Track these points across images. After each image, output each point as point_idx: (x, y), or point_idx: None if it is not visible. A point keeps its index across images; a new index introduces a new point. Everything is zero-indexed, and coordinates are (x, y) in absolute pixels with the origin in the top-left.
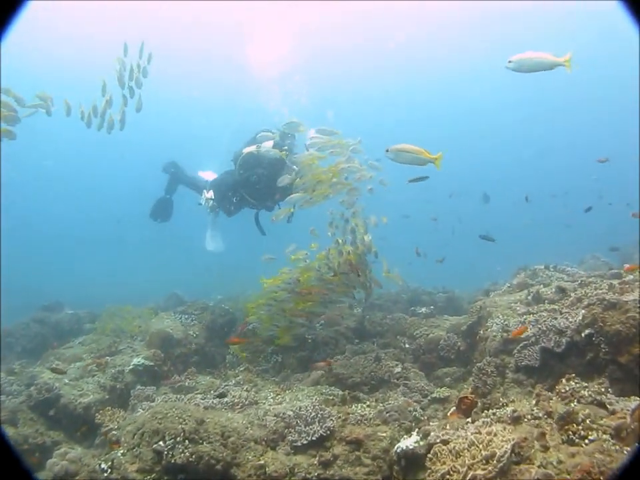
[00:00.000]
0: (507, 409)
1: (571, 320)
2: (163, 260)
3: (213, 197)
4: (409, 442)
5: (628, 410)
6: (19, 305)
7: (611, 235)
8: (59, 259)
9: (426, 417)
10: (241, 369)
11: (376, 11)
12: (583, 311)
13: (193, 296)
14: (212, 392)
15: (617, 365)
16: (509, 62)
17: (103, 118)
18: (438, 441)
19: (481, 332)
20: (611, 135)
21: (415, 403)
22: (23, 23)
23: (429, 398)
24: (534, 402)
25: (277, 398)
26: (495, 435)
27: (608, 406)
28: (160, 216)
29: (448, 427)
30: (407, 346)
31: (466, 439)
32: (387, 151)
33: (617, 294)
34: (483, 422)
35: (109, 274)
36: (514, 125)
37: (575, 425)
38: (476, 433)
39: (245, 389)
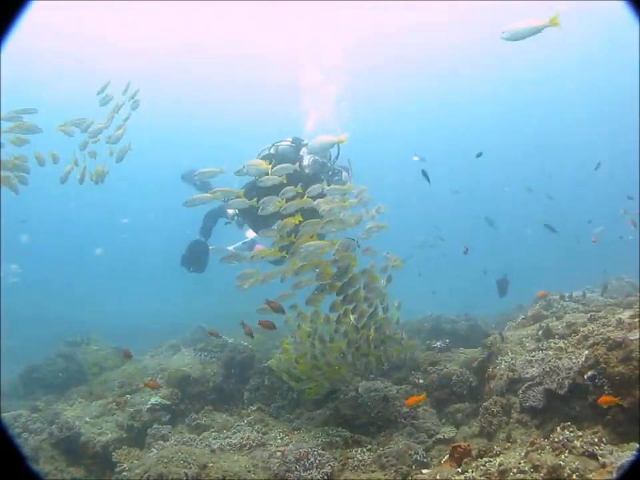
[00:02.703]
0: (497, 459)
1: (574, 360)
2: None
3: (237, 212)
4: None
5: (617, 464)
6: (50, 335)
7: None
8: (90, 290)
9: (429, 459)
10: (254, 408)
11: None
12: (587, 352)
13: (219, 328)
14: (225, 431)
15: (620, 407)
16: (503, 32)
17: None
18: None
19: (490, 369)
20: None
21: (417, 445)
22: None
23: (434, 439)
24: (523, 453)
25: (285, 439)
26: None
27: (599, 458)
28: (193, 265)
29: (438, 478)
30: (420, 381)
31: None
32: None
33: (624, 330)
34: (466, 478)
35: (142, 305)
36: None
37: None
38: None
39: (255, 429)
